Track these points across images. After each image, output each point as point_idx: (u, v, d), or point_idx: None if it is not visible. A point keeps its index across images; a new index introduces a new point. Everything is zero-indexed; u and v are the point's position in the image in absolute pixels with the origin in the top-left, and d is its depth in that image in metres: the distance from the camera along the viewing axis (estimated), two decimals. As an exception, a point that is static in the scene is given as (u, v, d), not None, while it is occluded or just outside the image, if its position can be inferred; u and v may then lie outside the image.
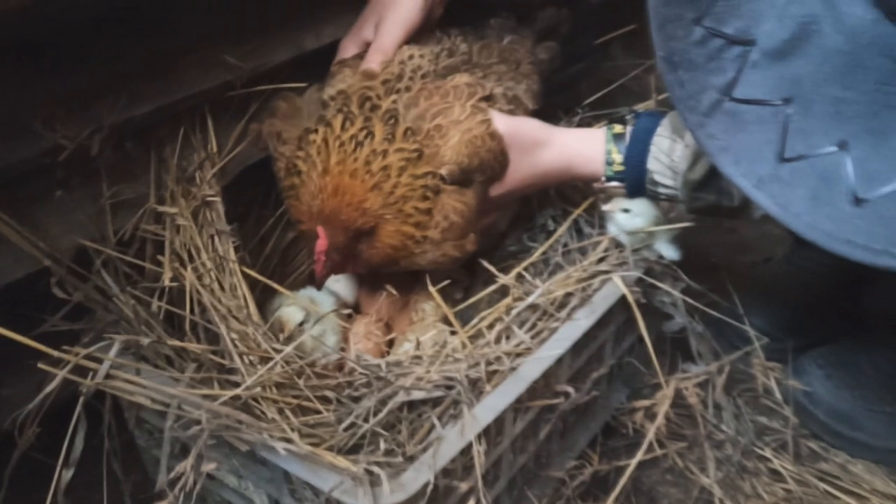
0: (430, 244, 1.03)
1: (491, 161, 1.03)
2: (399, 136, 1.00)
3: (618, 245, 1.10)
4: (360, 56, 1.11)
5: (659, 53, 0.65)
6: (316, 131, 1.01)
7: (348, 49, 1.14)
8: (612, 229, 1.10)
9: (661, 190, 1.04)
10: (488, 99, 1.08)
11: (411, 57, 1.08)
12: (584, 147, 1.07)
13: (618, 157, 1.04)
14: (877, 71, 0.57)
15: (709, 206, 1.01)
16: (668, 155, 1.00)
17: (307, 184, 0.99)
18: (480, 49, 1.18)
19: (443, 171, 1.00)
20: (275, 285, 1.00)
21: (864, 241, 0.59)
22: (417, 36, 1.13)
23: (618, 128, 1.06)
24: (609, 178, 1.06)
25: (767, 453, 1.18)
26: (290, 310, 1.00)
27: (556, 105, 1.35)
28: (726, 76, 0.63)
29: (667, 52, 0.64)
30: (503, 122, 1.05)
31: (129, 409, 0.98)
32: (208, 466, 0.74)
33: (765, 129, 0.62)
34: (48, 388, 0.72)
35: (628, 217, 1.07)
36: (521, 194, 1.13)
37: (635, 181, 1.05)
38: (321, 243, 0.94)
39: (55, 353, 0.72)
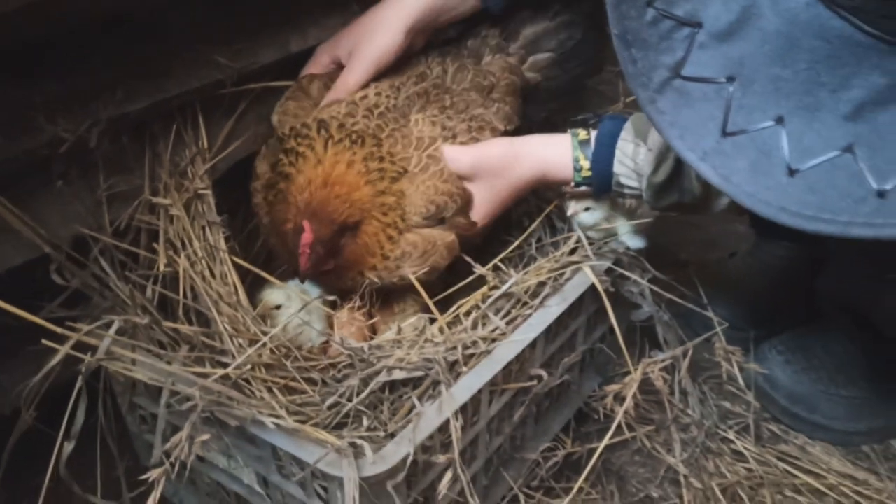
0: (385, 270, 1.08)
1: (447, 202, 1.09)
2: (386, 152, 1.06)
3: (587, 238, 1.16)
4: (314, 83, 1.16)
5: (613, 31, 0.68)
6: (298, 142, 1.06)
7: (320, 59, 1.19)
8: (577, 228, 1.17)
9: (627, 191, 1.09)
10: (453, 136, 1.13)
11: (364, 97, 1.12)
12: (554, 155, 1.11)
13: (585, 164, 1.09)
14: (810, 51, 0.61)
15: (672, 204, 1.07)
16: (632, 158, 1.06)
17: (296, 180, 1.03)
18: (455, 73, 1.21)
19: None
20: (262, 273, 1.04)
21: (796, 208, 0.63)
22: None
23: (582, 133, 1.10)
24: (578, 184, 1.12)
25: (730, 435, 1.24)
26: (269, 291, 1.06)
27: (558, 111, 1.38)
28: (676, 56, 0.66)
29: (621, 31, 0.68)
30: (469, 156, 1.11)
31: (122, 394, 1.03)
32: (202, 437, 0.79)
33: (710, 106, 0.66)
34: (52, 362, 0.76)
35: (589, 214, 1.15)
36: (505, 210, 1.18)
37: (602, 184, 1.10)
38: (306, 236, 0.98)
39: (59, 330, 0.77)
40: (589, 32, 1.31)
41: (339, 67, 1.17)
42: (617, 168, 1.07)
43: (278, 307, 1.05)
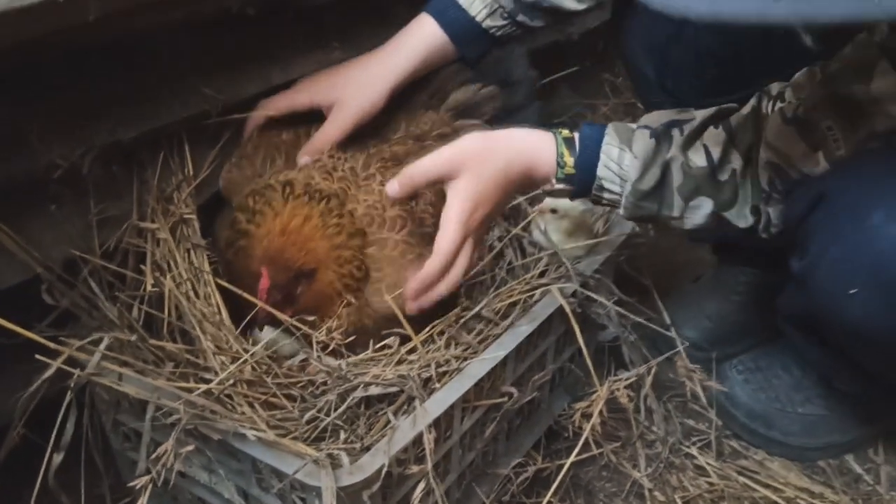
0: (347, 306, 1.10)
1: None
2: (347, 210, 1.09)
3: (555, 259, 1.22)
4: (259, 152, 1.18)
5: None
6: (256, 200, 1.07)
7: (298, 99, 1.20)
8: (536, 234, 1.22)
9: (606, 195, 1.09)
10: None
11: (318, 160, 1.15)
12: (539, 147, 1.08)
13: (570, 160, 1.06)
14: None
15: (649, 215, 1.09)
16: (617, 163, 1.06)
17: (256, 234, 1.04)
18: (390, 121, 1.24)
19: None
20: (243, 294, 1.07)
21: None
22: None
23: (565, 132, 1.08)
24: (559, 181, 1.08)
25: (693, 451, 1.30)
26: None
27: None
28: None
29: None
30: (446, 152, 1.05)
31: (106, 412, 1.06)
32: (186, 448, 0.83)
33: None
34: (46, 375, 0.80)
35: (555, 218, 1.20)
36: (498, 206, 1.10)
37: (583, 185, 1.08)
38: (263, 282, 1.00)
39: (52, 345, 0.81)
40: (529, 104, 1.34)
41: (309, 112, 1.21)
42: (601, 171, 1.07)
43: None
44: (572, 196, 1.12)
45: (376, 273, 1.10)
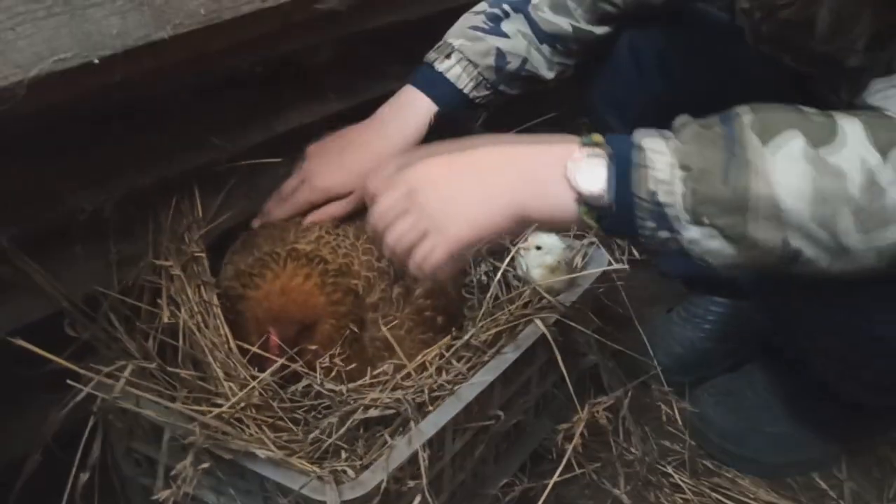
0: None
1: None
2: (344, 280, 1.14)
3: (537, 293, 1.30)
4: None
5: None
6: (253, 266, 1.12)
7: (311, 198, 1.23)
8: (520, 271, 1.29)
9: (650, 158, 0.82)
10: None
11: (320, 236, 1.21)
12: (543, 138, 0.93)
13: (596, 137, 0.88)
14: None
15: (718, 162, 0.80)
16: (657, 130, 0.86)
17: (254, 297, 1.08)
18: None
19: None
20: (255, 349, 1.10)
21: None
22: None
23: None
24: (585, 145, 0.88)
25: (669, 469, 1.37)
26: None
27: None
28: None
29: None
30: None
31: (118, 440, 1.12)
32: (203, 465, 0.90)
33: None
34: (77, 399, 0.88)
35: (540, 254, 1.27)
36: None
37: (621, 153, 0.85)
38: (273, 341, 1.05)
39: (83, 372, 0.89)
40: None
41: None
42: (636, 137, 0.85)
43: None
44: (613, 191, 0.85)
45: (384, 352, 1.17)
